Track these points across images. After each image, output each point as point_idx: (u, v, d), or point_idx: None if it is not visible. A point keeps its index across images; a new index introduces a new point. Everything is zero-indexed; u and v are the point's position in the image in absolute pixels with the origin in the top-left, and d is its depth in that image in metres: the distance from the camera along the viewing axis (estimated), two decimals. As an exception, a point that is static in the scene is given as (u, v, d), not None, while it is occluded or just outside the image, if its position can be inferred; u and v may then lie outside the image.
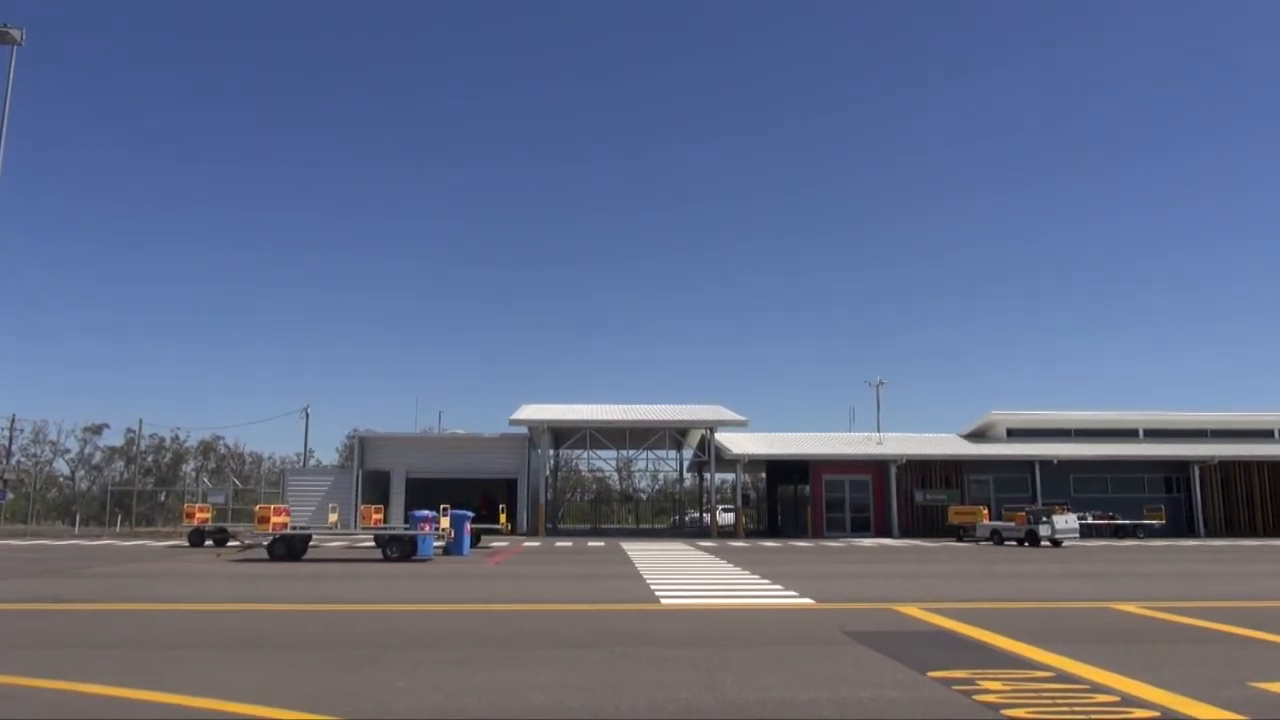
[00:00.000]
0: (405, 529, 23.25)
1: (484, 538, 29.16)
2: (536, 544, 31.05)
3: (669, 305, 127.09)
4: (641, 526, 59.08)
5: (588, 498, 68.13)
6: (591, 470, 64.59)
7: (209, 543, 27.53)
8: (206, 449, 62.15)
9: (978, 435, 45.28)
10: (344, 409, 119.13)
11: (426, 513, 23.03)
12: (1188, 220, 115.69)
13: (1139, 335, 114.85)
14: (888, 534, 38.54)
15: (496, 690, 6.70)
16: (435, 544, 23.08)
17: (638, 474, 68.82)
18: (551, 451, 50.42)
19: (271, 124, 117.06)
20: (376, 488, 39.79)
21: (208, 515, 29.50)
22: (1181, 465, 40.55)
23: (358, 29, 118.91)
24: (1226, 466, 40.15)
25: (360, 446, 40.59)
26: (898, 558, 24.05)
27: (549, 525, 42.48)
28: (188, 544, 27.64)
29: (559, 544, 31.09)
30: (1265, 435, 43.93)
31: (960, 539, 34.16)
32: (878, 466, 40.08)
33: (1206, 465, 39.98)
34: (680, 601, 13.04)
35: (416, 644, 8.93)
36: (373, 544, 24.69)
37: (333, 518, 28.35)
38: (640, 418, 41.67)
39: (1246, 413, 45.49)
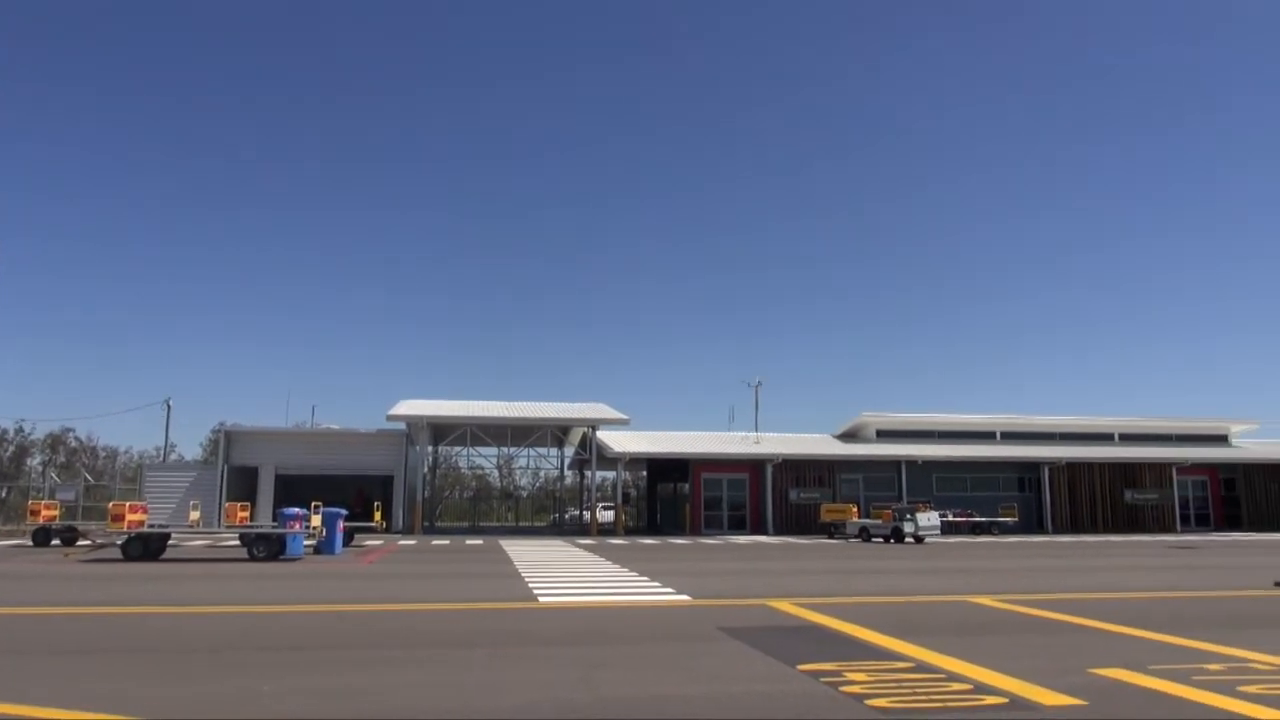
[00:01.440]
0: (273, 527, 22.40)
1: (358, 536, 28.39)
2: (413, 543, 30.43)
3: (554, 305, 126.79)
4: (521, 524, 58.71)
5: (467, 495, 67.21)
6: (472, 468, 63.80)
7: (56, 542, 25.82)
8: (55, 442, 58.18)
9: (850, 436, 46.96)
10: (210, 403, 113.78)
11: (297, 510, 22.25)
12: (1037, 228, 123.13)
13: (1002, 342, 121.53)
14: (763, 531, 39.52)
15: (367, 692, 6.54)
16: (306, 543, 22.32)
17: (519, 472, 68.36)
18: (430, 448, 49.53)
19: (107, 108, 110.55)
20: (244, 485, 38.11)
21: (55, 513, 27.63)
22: (1033, 466, 43.15)
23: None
24: (1072, 467, 42.94)
25: (226, 441, 38.79)
26: (772, 555, 24.70)
27: (426, 523, 41.72)
28: (32, 544, 25.86)
29: (436, 542, 30.57)
30: (1106, 439, 47.24)
31: (831, 536, 35.34)
32: (755, 466, 41.06)
33: (1055, 466, 42.67)
34: (558, 599, 13.04)
35: (282, 646, 8.63)
36: (238, 543, 23.68)
37: (194, 515, 26.99)
38: (523, 415, 41.39)
39: (1090, 417, 48.82)
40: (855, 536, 33.57)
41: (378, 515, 30.70)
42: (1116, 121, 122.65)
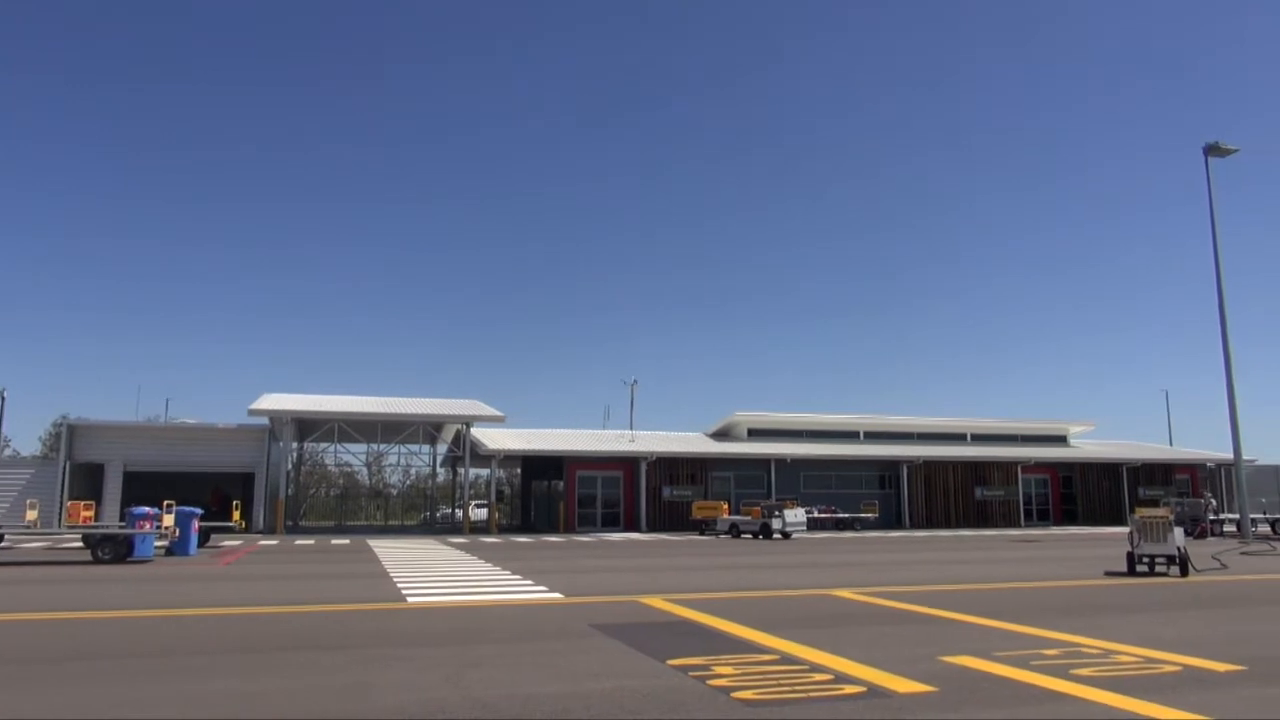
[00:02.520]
0: (121, 528, 21.09)
1: (214, 537, 27.07)
2: (274, 543, 29.22)
3: (430, 302, 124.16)
4: (391, 524, 57.29)
5: (334, 494, 65.03)
6: (339, 465, 61.79)
7: None
8: None
9: (722, 434, 47.95)
10: (51, 397, 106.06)
11: (147, 510, 21.02)
12: (894, 241, 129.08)
13: (867, 345, 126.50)
14: (636, 529, 39.89)
15: (222, 700, 6.26)
16: (157, 544, 21.15)
17: (389, 469, 66.63)
18: (295, 444, 47.74)
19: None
20: (88, 482, 35.69)
21: None
22: (893, 464, 45.17)
23: None
24: (929, 465, 45.18)
25: (69, 435, 36.21)
26: (644, 551, 24.96)
27: (289, 523, 40.17)
28: None
29: (300, 543, 29.46)
30: (959, 439, 49.93)
31: (702, 533, 35.99)
32: (629, 463, 41.39)
33: (913, 465, 44.79)
34: (428, 599, 12.80)
35: (123, 653, 8.15)
36: (81, 545, 22.16)
37: (31, 515, 25.08)
38: (394, 410, 40.37)
39: (945, 419, 51.46)
40: (726, 533, 34.29)
41: (236, 515, 29.37)
42: (954, 132, 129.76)
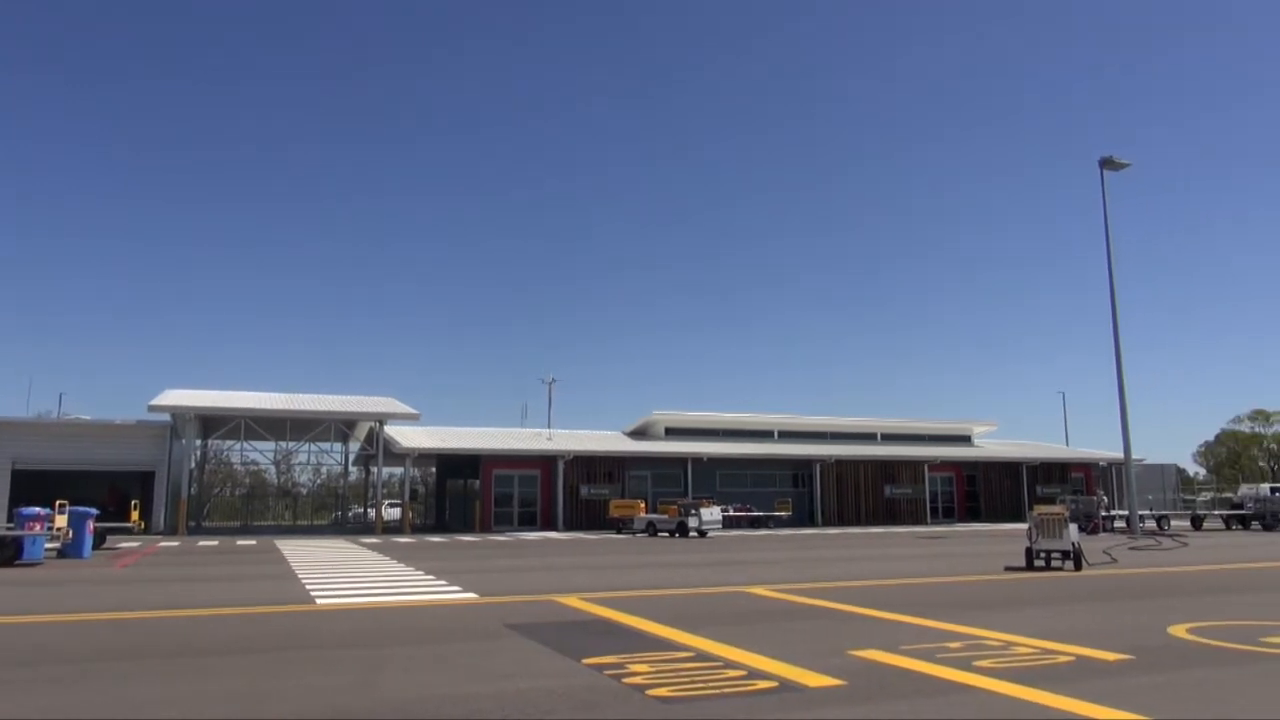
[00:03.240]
0: (8, 528, 20.00)
1: (111, 538, 25.89)
2: (175, 544, 28.14)
3: (346, 298, 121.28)
4: (300, 524, 55.76)
5: (240, 493, 62.94)
6: (245, 464, 59.83)
7: None
8: None
9: (640, 433, 48.13)
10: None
11: (37, 510, 19.99)
12: (812, 247, 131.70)
13: (783, 348, 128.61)
14: (553, 528, 39.73)
15: (119, 708, 5.99)
16: (48, 546, 20.13)
17: (298, 468, 64.80)
18: (199, 442, 46.10)
19: None
20: (-29, 482, 33.79)
21: None
22: (806, 463, 46.04)
23: None
24: (840, 464, 46.20)
25: (-50, 432, 34.22)
26: (561, 551, 24.87)
27: (192, 524, 38.75)
28: None
29: (203, 544, 28.44)
30: (870, 438, 51.21)
31: (620, 531, 36.05)
32: (546, 462, 41.19)
33: (825, 463, 45.74)
34: (338, 601, 12.50)
35: (11, 661, 7.73)
36: (-38, 548, 20.93)
37: (-93, 517, 23.62)
38: (304, 408, 39.29)
39: (857, 419, 52.73)
40: (643, 531, 34.41)
41: (135, 515, 28.20)
42: (858, 145, 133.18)
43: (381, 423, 39.11)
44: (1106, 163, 36.47)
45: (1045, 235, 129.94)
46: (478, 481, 40.87)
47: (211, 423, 40.78)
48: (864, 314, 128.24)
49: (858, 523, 45.53)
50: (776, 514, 42.01)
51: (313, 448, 48.33)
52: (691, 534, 32.70)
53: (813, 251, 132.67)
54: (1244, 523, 39.23)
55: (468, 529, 40.04)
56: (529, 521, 40.55)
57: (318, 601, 12.43)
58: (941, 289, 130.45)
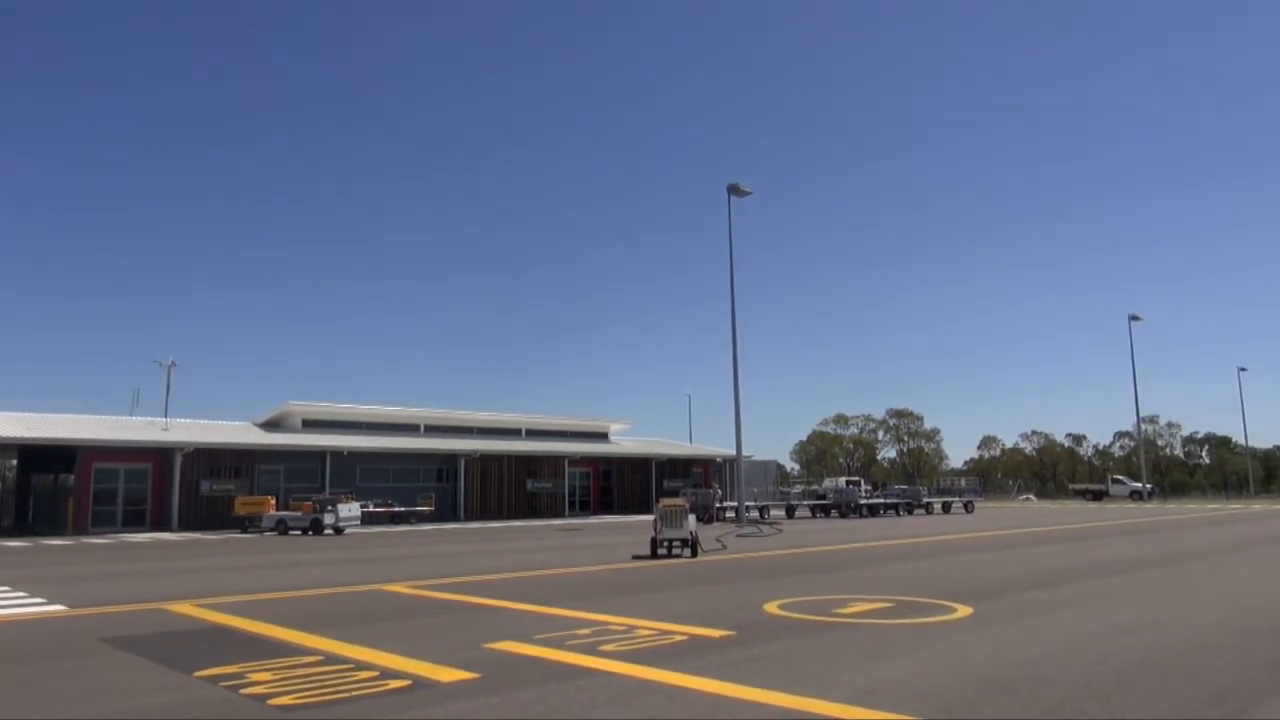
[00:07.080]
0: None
1: None
2: None
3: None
4: None
5: None
6: None
7: None
8: None
9: (273, 425, 44.99)
10: None
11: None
12: (463, 241, 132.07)
13: (436, 341, 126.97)
14: (167, 527, 35.75)
15: None
16: None
17: None
18: None
19: None
20: None
21: None
22: (451, 457, 45.92)
23: None
24: (485, 459, 46.68)
25: None
26: (174, 553, 22.54)
27: None
28: None
29: None
30: (515, 434, 52.36)
31: (246, 530, 33.43)
32: (161, 454, 36.94)
33: (470, 458, 45.96)
34: None
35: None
36: None
37: None
38: None
39: (501, 414, 53.67)
40: (272, 529, 32.23)
41: None
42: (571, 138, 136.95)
43: (-57, 406, 32.72)
44: (733, 189, 41.03)
45: (676, 252, 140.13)
46: (74, 476, 35.59)
47: None
48: (512, 312, 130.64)
49: (500, 517, 46.28)
50: (419, 509, 41.42)
51: None
52: (327, 531, 31.24)
53: (467, 249, 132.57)
54: (826, 511, 45.66)
55: (58, 531, 34.72)
56: (137, 521, 36.06)
57: None
58: (589, 297, 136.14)
